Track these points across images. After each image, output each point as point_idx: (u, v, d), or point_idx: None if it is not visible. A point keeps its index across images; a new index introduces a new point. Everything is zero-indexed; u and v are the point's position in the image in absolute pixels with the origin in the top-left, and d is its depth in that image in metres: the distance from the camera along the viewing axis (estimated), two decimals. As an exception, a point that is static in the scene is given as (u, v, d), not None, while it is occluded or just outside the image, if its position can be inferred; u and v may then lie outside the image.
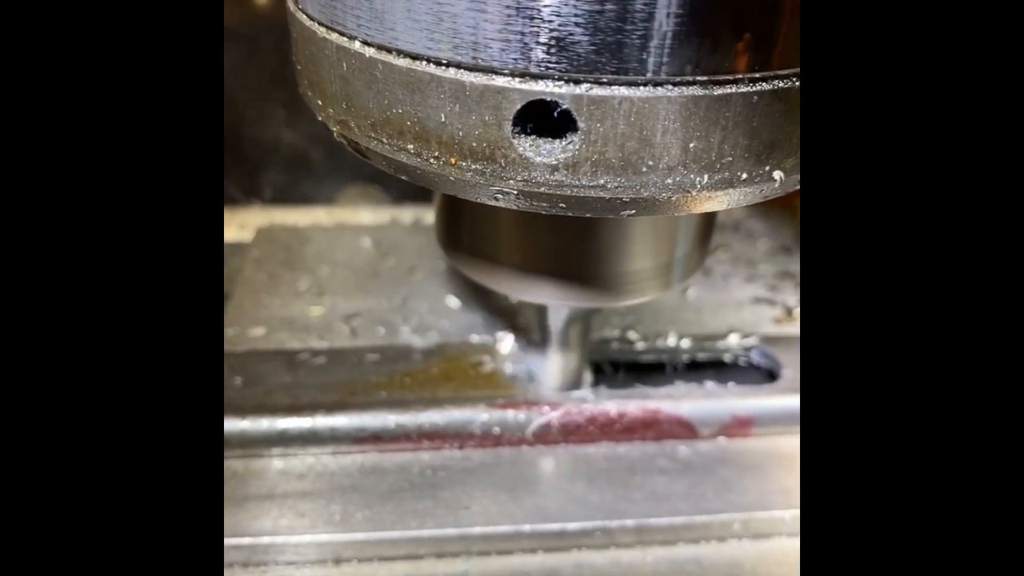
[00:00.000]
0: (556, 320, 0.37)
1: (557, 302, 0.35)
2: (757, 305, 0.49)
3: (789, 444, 0.39)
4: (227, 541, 0.32)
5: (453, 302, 0.48)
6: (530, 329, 0.43)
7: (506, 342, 0.42)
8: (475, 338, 0.43)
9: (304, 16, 0.25)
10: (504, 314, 0.47)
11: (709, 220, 0.34)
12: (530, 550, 0.34)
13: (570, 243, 0.32)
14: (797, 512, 0.35)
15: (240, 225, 0.61)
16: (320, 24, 0.24)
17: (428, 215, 0.61)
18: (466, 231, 0.34)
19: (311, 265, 0.53)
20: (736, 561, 0.34)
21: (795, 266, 0.54)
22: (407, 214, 0.62)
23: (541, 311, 0.38)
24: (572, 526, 0.33)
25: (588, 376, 0.40)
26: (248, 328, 0.45)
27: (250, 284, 0.50)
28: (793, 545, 0.35)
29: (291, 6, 0.26)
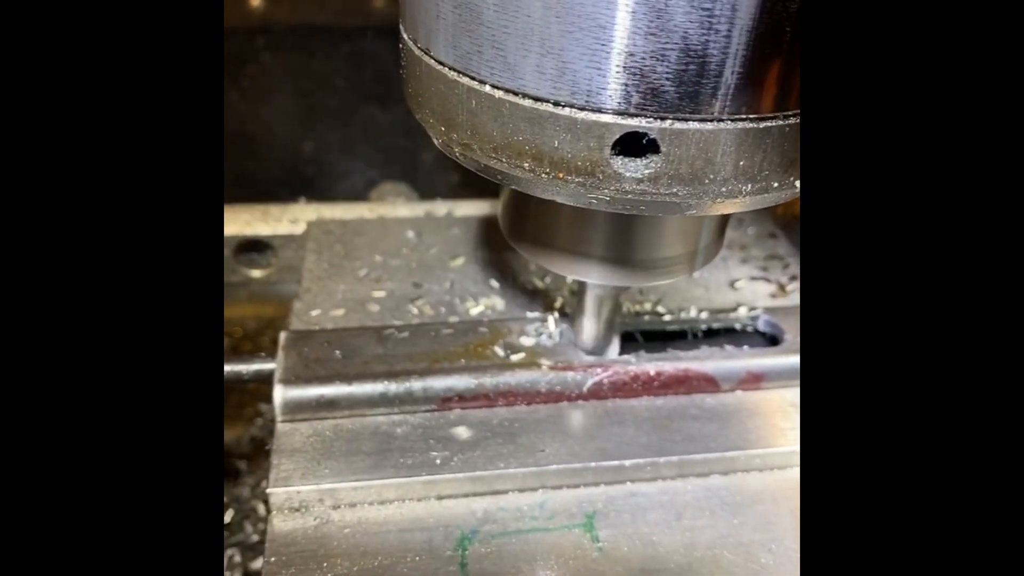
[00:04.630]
0: (594, 296, 0.45)
1: (602, 281, 0.42)
2: (754, 283, 0.57)
3: (793, 394, 0.47)
4: (347, 484, 0.40)
5: (494, 284, 0.56)
6: (567, 306, 0.50)
7: (552, 317, 0.50)
8: (528, 315, 0.50)
9: (432, 60, 0.32)
10: (541, 293, 0.54)
11: (725, 218, 0.42)
12: (594, 483, 0.42)
13: (615, 234, 0.39)
14: (804, 447, 0.44)
15: (291, 220, 0.68)
16: (451, 69, 0.31)
17: (458, 208, 0.68)
18: (530, 224, 0.41)
19: (365, 254, 0.59)
20: (759, 488, 0.43)
21: (781, 249, 0.62)
22: (440, 208, 0.69)
23: (583, 289, 0.45)
24: (628, 463, 0.41)
25: (616, 343, 0.48)
26: (329, 310, 0.51)
27: (315, 272, 0.57)
28: (802, 474, 0.44)
29: (414, 49, 0.33)
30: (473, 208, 0.66)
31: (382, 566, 0.37)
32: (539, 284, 0.55)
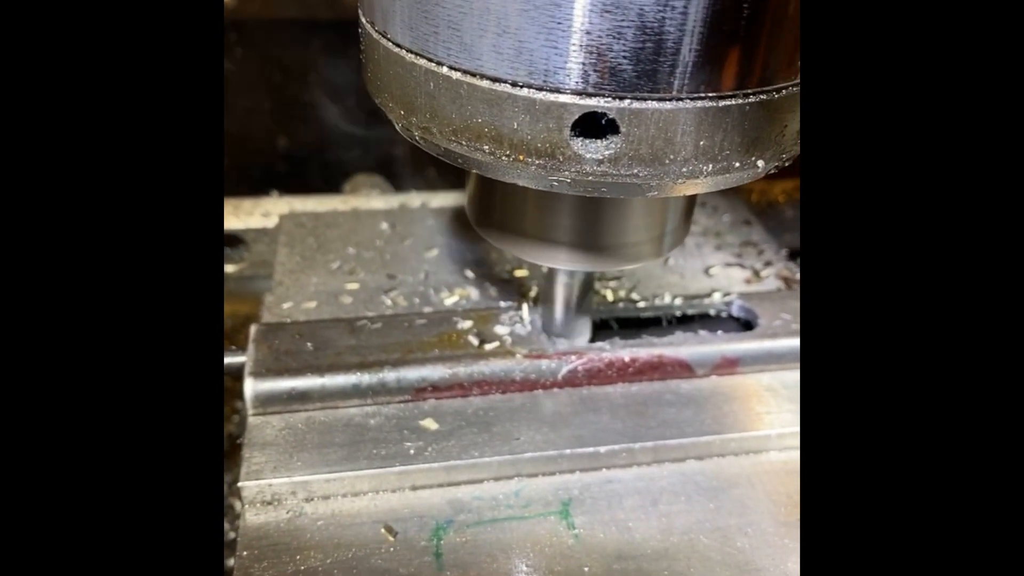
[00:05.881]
0: (563, 283, 0.44)
1: (570, 267, 0.41)
2: (728, 268, 0.57)
3: (768, 378, 0.47)
4: (320, 476, 0.39)
5: (469, 274, 0.55)
6: (540, 294, 0.50)
7: (526, 306, 0.49)
8: (503, 304, 0.50)
9: (390, 43, 0.31)
10: (515, 282, 0.54)
11: (691, 200, 0.42)
12: (569, 470, 0.41)
13: (582, 219, 0.39)
14: (781, 430, 0.44)
15: (263, 213, 0.67)
16: (408, 51, 0.30)
17: (432, 200, 0.67)
18: (497, 210, 0.41)
19: (338, 247, 0.59)
20: (735, 472, 0.42)
21: (756, 236, 0.62)
22: (414, 199, 0.68)
23: (552, 276, 0.45)
24: (603, 449, 0.41)
25: (588, 329, 0.47)
26: (301, 303, 0.51)
27: (287, 266, 0.56)
28: (780, 457, 0.44)
29: (372, 32, 0.33)
30: (448, 199, 0.66)
31: (356, 558, 0.37)
32: (515, 273, 0.55)
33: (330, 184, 0.77)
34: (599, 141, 0.29)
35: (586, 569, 0.37)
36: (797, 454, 0.43)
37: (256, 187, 0.75)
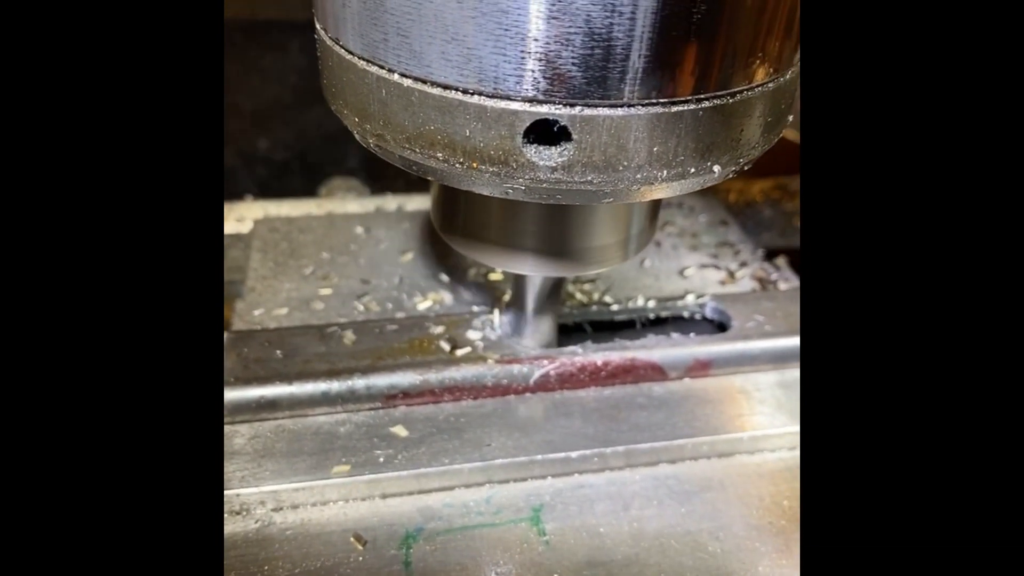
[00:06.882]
0: (532, 288, 0.44)
1: (535, 272, 0.41)
2: (704, 270, 0.57)
3: (741, 381, 0.47)
4: (289, 486, 0.39)
5: (444, 278, 0.55)
6: (513, 299, 0.50)
7: (498, 310, 0.49)
8: (475, 308, 0.50)
9: (343, 50, 0.31)
10: (490, 286, 0.53)
11: (655, 203, 0.42)
12: (541, 476, 0.41)
13: (546, 224, 0.38)
14: (753, 433, 0.43)
15: (237, 219, 0.66)
16: (360, 58, 0.30)
17: (408, 203, 0.67)
18: (461, 217, 0.40)
19: (312, 252, 0.58)
20: (707, 475, 0.42)
21: (732, 236, 0.61)
22: (390, 203, 0.68)
23: (520, 281, 0.44)
24: (574, 454, 0.41)
25: (556, 334, 0.47)
26: (272, 309, 0.51)
27: (260, 271, 0.56)
28: (752, 460, 0.43)
29: (325, 39, 0.32)
30: (424, 202, 0.66)
31: (324, 568, 0.37)
32: (490, 277, 0.55)
33: (307, 187, 0.77)
34: (552, 148, 0.28)
35: (555, 576, 0.37)
36: (770, 456, 0.43)
37: (236, 191, 0.75)
